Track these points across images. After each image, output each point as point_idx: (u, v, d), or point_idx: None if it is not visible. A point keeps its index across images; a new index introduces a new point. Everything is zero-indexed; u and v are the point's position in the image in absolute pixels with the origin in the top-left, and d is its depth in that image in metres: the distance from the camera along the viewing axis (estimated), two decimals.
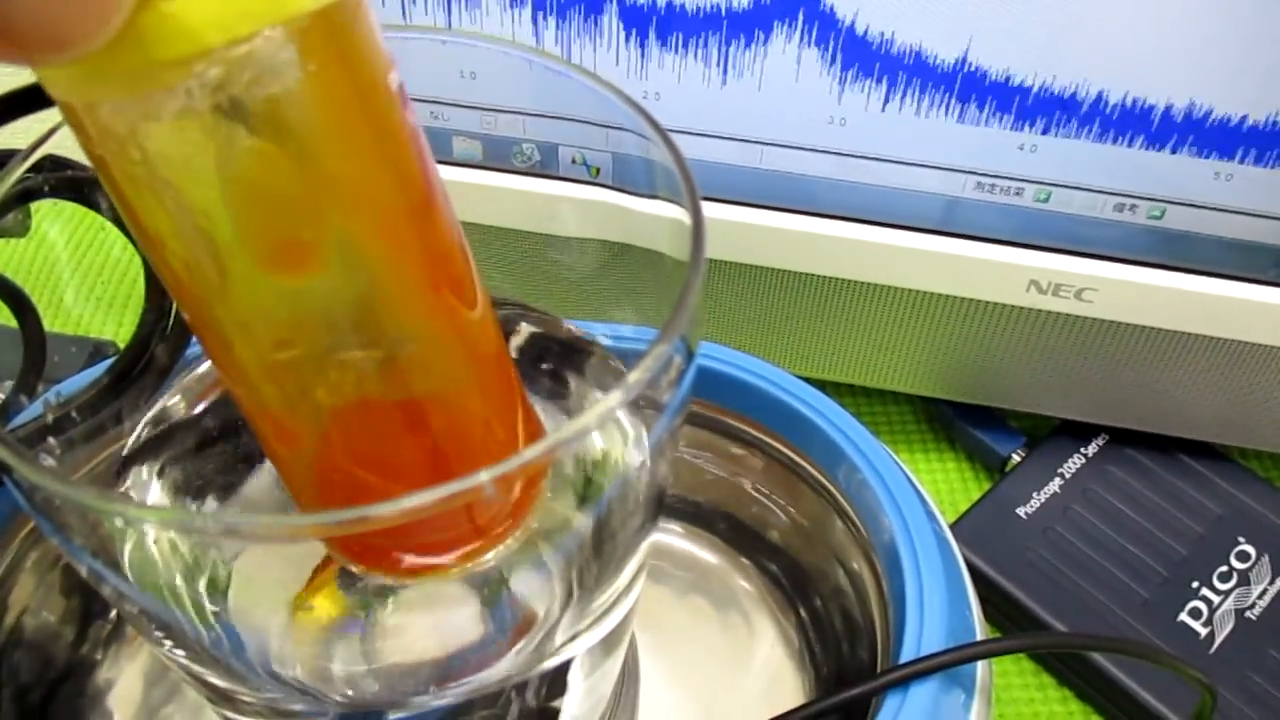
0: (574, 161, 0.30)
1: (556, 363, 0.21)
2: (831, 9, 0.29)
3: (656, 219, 0.19)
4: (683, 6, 0.30)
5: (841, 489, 0.25)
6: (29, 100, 0.16)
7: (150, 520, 0.15)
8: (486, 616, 0.20)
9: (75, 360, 0.29)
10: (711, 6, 0.30)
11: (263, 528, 0.14)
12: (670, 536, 0.29)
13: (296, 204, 0.14)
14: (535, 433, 0.19)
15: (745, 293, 0.36)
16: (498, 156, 0.34)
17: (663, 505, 0.19)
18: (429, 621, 0.20)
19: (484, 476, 0.13)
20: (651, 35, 0.31)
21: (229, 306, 0.15)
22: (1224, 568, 0.35)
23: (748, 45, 0.31)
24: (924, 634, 0.21)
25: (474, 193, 0.33)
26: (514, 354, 0.21)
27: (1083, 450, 0.39)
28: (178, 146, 0.13)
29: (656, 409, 0.17)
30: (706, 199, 0.34)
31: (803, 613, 0.27)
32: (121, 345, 0.36)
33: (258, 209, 0.14)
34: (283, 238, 0.14)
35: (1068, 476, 0.38)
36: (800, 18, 0.30)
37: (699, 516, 0.29)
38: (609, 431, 0.19)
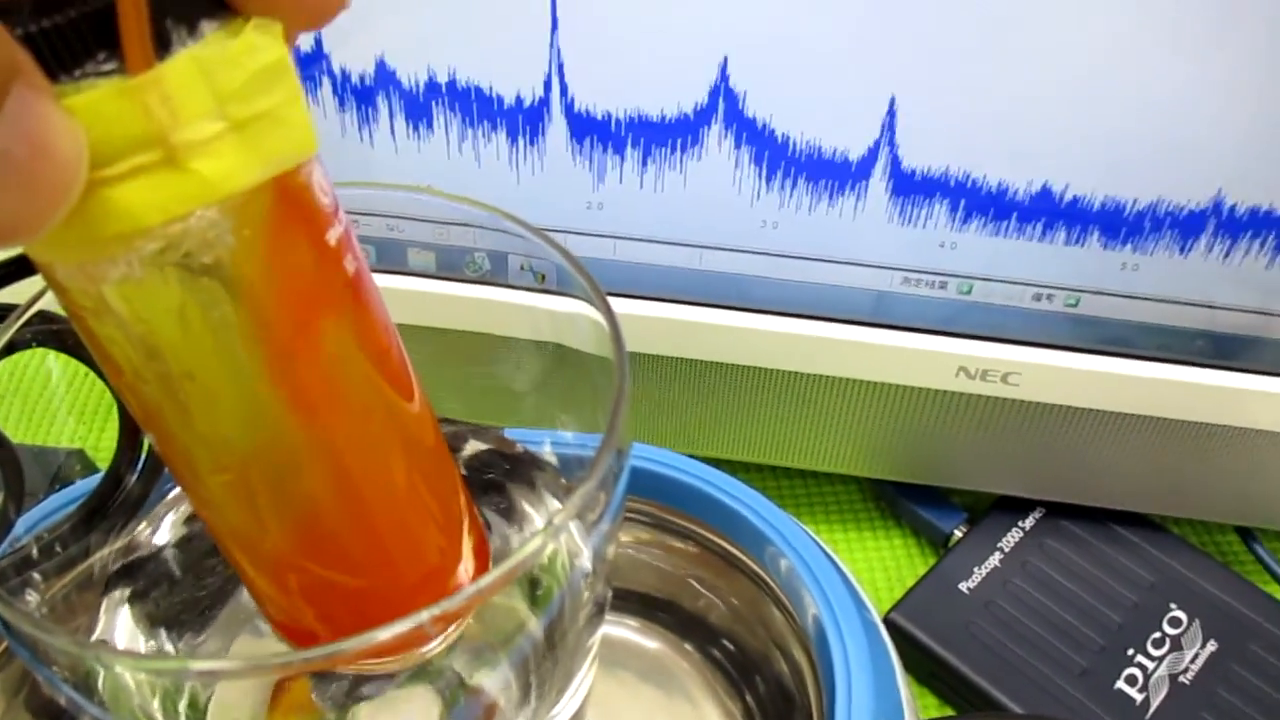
0: (521, 269, 0.31)
1: (502, 475, 0.22)
2: (754, 116, 0.32)
3: (592, 322, 0.21)
4: (620, 116, 0.32)
5: (771, 574, 0.26)
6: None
7: (124, 666, 0.16)
8: (449, 718, 0.22)
9: (45, 473, 0.30)
10: (644, 114, 0.32)
11: (232, 669, 0.15)
12: (618, 629, 0.30)
13: (240, 346, 0.15)
14: (480, 533, 0.21)
15: (692, 386, 0.38)
16: (450, 265, 0.35)
17: (608, 600, 0.21)
18: None
19: (425, 616, 0.14)
20: (595, 146, 0.33)
21: (187, 433, 0.16)
22: (1157, 634, 0.37)
23: (684, 151, 0.33)
24: (852, 717, 0.22)
25: (428, 300, 0.35)
26: (462, 468, 0.22)
27: (1020, 524, 0.40)
28: (124, 303, 0.14)
29: (601, 514, 0.18)
30: (652, 299, 0.36)
31: (748, 697, 0.28)
32: (89, 453, 0.37)
33: (201, 350, 0.15)
34: (229, 373, 0.15)
35: (1007, 550, 0.40)
36: (731, 127, 0.32)
37: (644, 608, 0.30)
38: (559, 538, 0.21)
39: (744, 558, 0.27)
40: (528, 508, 0.22)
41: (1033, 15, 0.29)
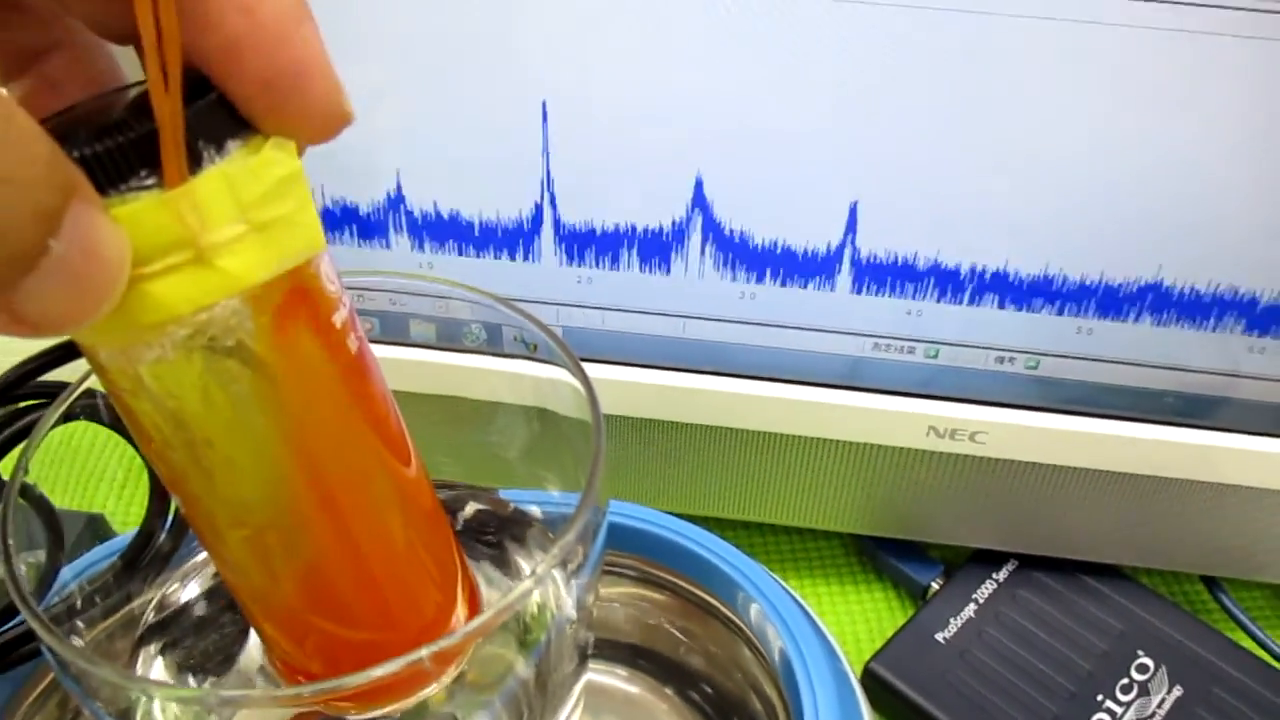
0: (514, 339, 0.34)
1: (497, 533, 0.24)
2: (727, 226, 0.35)
3: (573, 389, 0.23)
4: (606, 228, 0.35)
5: (743, 619, 0.28)
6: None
7: (160, 695, 0.18)
8: None
9: (77, 535, 0.33)
10: (629, 226, 0.35)
11: (249, 700, 0.17)
12: (604, 676, 0.32)
13: (255, 417, 0.17)
14: (472, 585, 0.23)
15: (680, 448, 0.40)
16: (450, 336, 0.38)
17: (590, 645, 0.23)
18: None
19: (424, 652, 0.16)
20: (586, 251, 0.36)
21: (209, 495, 0.18)
22: (1125, 680, 0.39)
23: (665, 255, 0.36)
24: None
25: (428, 368, 0.37)
26: (461, 526, 0.25)
27: (994, 576, 0.42)
28: (156, 381, 0.17)
29: (581, 565, 0.20)
30: (639, 365, 0.38)
31: None
32: (109, 517, 0.39)
33: (221, 421, 0.17)
34: (245, 440, 0.18)
35: (981, 601, 0.41)
36: (707, 235, 0.35)
37: (628, 655, 0.32)
38: (546, 589, 0.23)
39: (718, 604, 0.29)
40: (520, 561, 0.24)
41: (979, 125, 0.32)
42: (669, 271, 0.36)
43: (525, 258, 0.36)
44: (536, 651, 0.22)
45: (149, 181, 0.15)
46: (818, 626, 0.28)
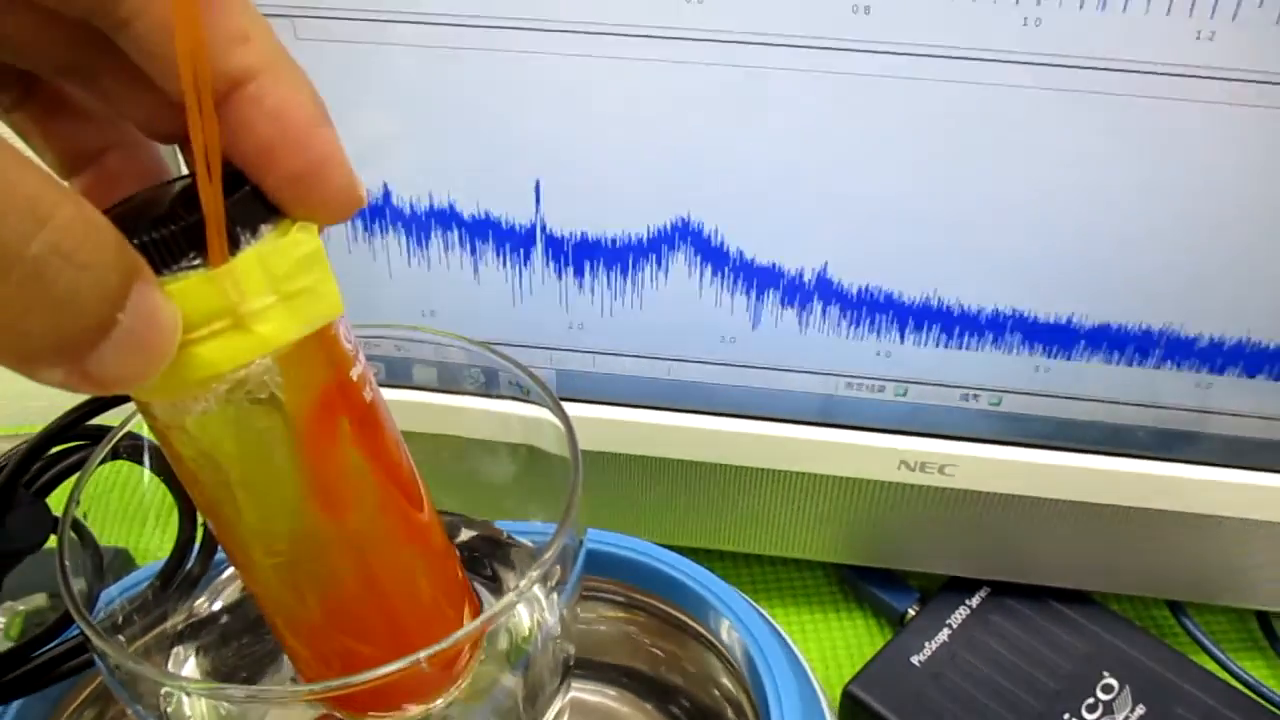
0: (509, 383, 0.36)
1: (488, 559, 0.27)
2: (712, 235, 0.37)
3: (555, 427, 0.26)
4: (596, 236, 0.38)
5: (715, 635, 0.31)
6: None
7: (199, 690, 0.21)
8: None
9: (107, 563, 0.35)
10: (612, 237, 0.38)
11: (272, 696, 0.20)
12: (588, 694, 0.35)
13: (284, 458, 0.20)
14: (476, 607, 0.25)
15: (667, 482, 0.43)
16: (450, 379, 0.41)
17: (572, 657, 0.25)
18: None
19: (421, 655, 0.19)
20: (572, 268, 0.38)
21: (242, 526, 0.21)
22: (1091, 699, 0.41)
23: (653, 271, 0.38)
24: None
25: (429, 409, 0.40)
26: (458, 551, 0.27)
27: (968, 602, 0.45)
28: (200, 429, 0.19)
29: (561, 584, 0.23)
30: (627, 405, 0.41)
31: None
32: (132, 551, 0.42)
33: (255, 462, 0.20)
34: (275, 479, 0.20)
35: (955, 626, 0.44)
36: (690, 244, 0.38)
37: (610, 674, 0.35)
38: (531, 607, 0.25)
39: (694, 624, 0.32)
40: (510, 583, 0.27)
41: (947, 184, 0.34)
42: (657, 288, 0.39)
43: (525, 263, 0.38)
44: (522, 662, 0.24)
45: (196, 262, 0.18)
46: (784, 640, 0.31)
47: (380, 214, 0.39)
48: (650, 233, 0.37)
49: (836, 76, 0.33)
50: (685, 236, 0.37)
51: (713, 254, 0.38)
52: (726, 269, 0.38)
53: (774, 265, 0.37)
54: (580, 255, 0.38)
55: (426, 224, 0.39)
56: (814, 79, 0.33)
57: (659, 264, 0.38)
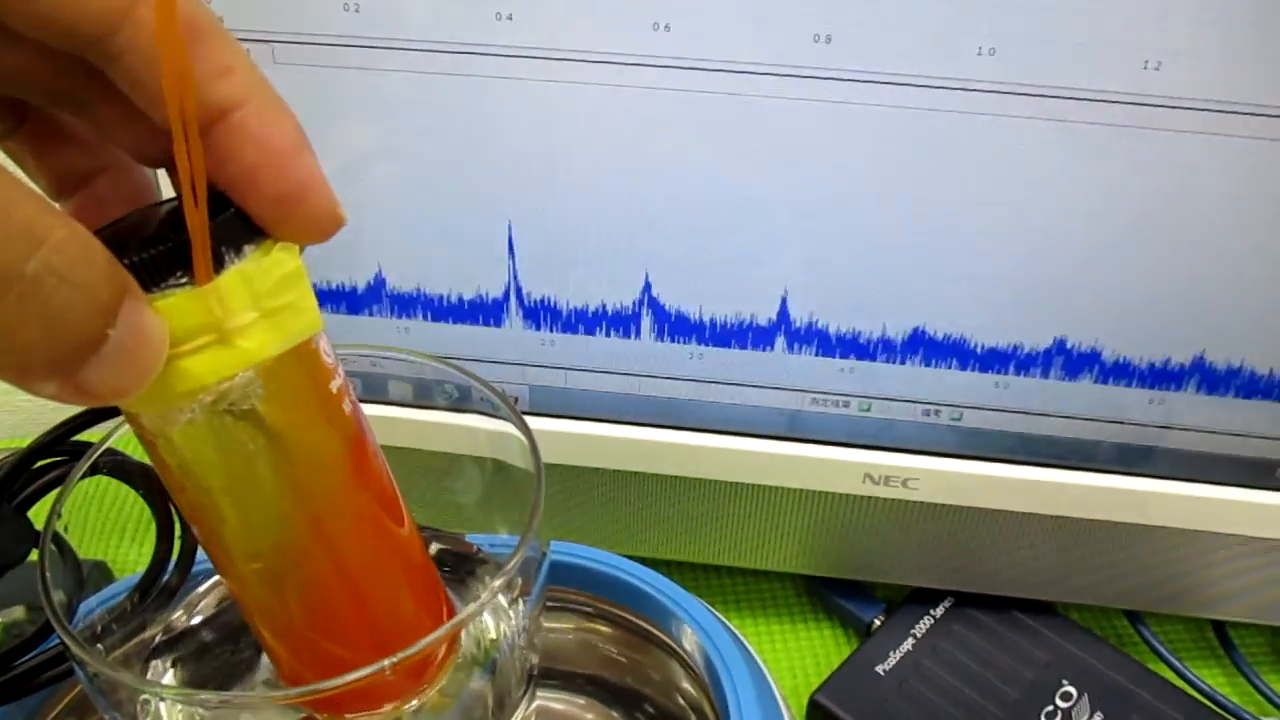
0: (481, 398, 0.37)
1: (457, 570, 0.28)
2: (671, 305, 0.39)
3: (520, 441, 0.27)
4: (564, 306, 0.39)
5: (677, 643, 0.32)
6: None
7: (174, 696, 0.22)
8: None
9: (85, 574, 0.36)
10: (585, 307, 0.39)
11: (244, 701, 0.21)
12: (555, 702, 0.36)
13: (265, 467, 0.21)
14: (452, 613, 0.26)
15: (636, 495, 0.44)
16: (425, 393, 0.41)
17: (536, 665, 0.26)
18: None
19: (385, 662, 0.20)
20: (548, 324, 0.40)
21: (225, 532, 0.22)
22: (1050, 707, 0.42)
23: (624, 332, 0.40)
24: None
25: (401, 424, 0.41)
26: None
27: (932, 612, 0.46)
28: (185, 439, 0.20)
29: (525, 594, 0.24)
30: (597, 419, 0.42)
31: None
32: (110, 564, 0.42)
33: (237, 471, 0.21)
34: (257, 488, 0.21)
35: (919, 636, 0.45)
36: (652, 312, 0.39)
37: (577, 682, 0.36)
38: (497, 617, 0.26)
39: (657, 632, 0.33)
40: (477, 592, 0.28)
41: (898, 212, 0.36)
42: (624, 336, 0.40)
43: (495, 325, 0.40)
44: (488, 669, 0.25)
45: (183, 280, 0.18)
46: (743, 645, 0.32)
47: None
48: (615, 306, 0.39)
49: (803, 103, 0.34)
50: (648, 305, 0.39)
51: (678, 324, 0.39)
52: (691, 334, 0.39)
53: (738, 315, 0.39)
54: (552, 318, 0.40)
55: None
56: (778, 105, 0.34)
57: (624, 332, 0.40)
